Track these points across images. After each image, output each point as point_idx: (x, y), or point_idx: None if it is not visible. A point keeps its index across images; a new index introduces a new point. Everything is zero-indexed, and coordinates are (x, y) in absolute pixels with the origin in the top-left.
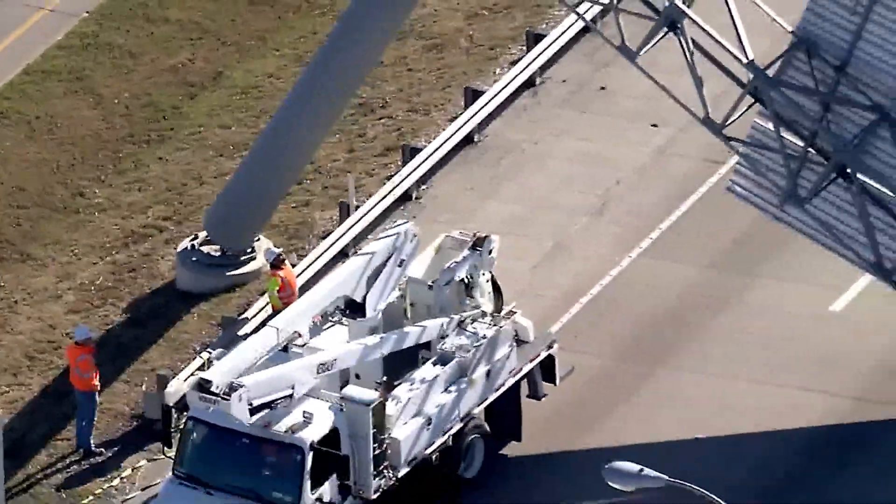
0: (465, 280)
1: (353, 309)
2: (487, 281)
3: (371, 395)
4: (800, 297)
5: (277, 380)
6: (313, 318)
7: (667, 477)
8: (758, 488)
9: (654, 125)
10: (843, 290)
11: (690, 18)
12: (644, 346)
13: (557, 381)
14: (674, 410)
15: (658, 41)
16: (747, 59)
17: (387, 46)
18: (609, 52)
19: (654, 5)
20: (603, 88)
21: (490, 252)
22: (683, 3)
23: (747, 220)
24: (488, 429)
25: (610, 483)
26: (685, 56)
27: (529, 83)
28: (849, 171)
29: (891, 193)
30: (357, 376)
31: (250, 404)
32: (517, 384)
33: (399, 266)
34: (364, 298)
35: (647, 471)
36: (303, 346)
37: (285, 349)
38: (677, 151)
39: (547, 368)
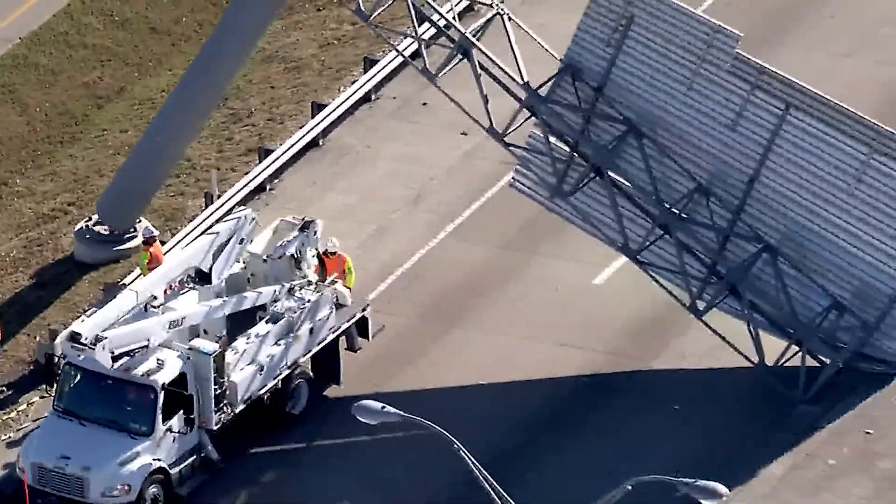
0: (295, 255)
1: (202, 278)
2: (314, 256)
3: (213, 346)
4: (570, 272)
5: (135, 333)
6: (172, 285)
7: (404, 413)
8: (527, 422)
9: (464, 133)
10: (605, 266)
11: (478, 48)
12: (443, 310)
13: (370, 337)
14: (463, 362)
15: (454, 66)
16: (522, 80)
17: (239, 69)
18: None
19: (451, 37)
20: (425, 104)
21: (315, 233)
22: (473, 35)
23: (531, 211)
24: (312, 375)
25: (358, 417)
26: (475, 77)
27: (367, 99)
28: (603, 171)
29: (632, 187)
30: (205, 331)
31: (112, 353)
32: (337, 339)
33: (240, 243)
34: (210, 269)
35: (388, 408)
36: (158, 306)
37: (146, 308)
38: (480, 155)
39: (362, 327)
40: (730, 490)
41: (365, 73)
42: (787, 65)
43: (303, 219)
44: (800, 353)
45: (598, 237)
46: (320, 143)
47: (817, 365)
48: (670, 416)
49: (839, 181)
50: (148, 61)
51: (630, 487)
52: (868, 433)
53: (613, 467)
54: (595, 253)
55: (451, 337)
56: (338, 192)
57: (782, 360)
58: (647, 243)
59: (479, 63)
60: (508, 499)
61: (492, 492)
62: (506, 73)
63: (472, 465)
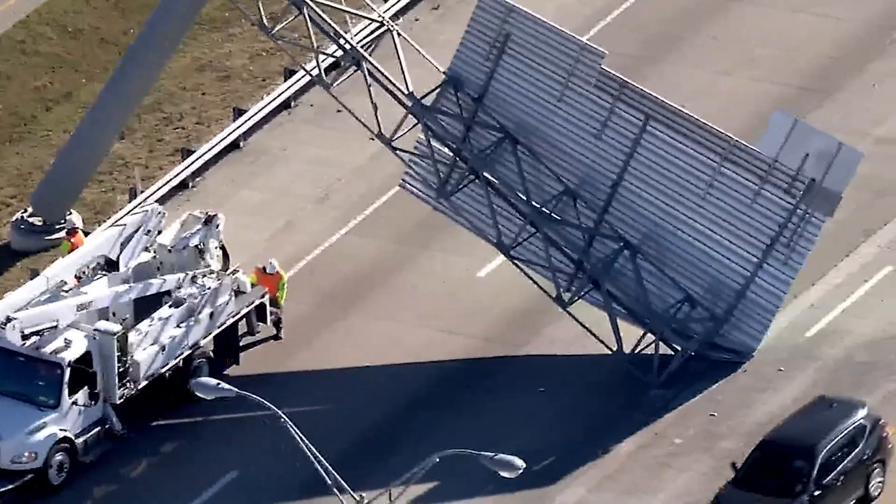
0: (199, 246)
1: (110, 266)
2: (216, 247)
3: (116, 327)
4: (457, 265)
5: (44, 314)
6: (84, 271)
7: (237, 389)
8: (408, 401)
9: (372, 138)
10: (489, 261)
11: (368, 60)
12: (340, 298)
13: (268, 322)
14: (355, 345)
15: (348, 77)
16: (407, 91)
17: (155, 76)
18: (347, 84)
19: (345, 48)
20: (339, 111)
21: (217, 226)
22: (365, 49)
23: (426, 210)
24: (213, 355)
25: (197, 393)
26: (366, 86)
27: (287, 105)
28: (480, 173)
29: (506, 189)
30: (113, 314)
31: (23, 332)
32: (236, 323)
33: (146, 234)
34: (118, 258)
35: (223, 384)
36: (68, 290)
37: (56, 292)
38: (386, 158)
39: (260, 312)
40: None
41: (285, 82)
42: (671, 80)
43: (206, 213)
44: (655, 342)
45: (477, 234)
46: (241, 146)
47: (671, 353)
48: (537, 397)
49: (693, 186)
50: (95, 69)
51: (437, 460)
52: (713, 415)
53: (482, 444)
54: (480, 249)
55: (346, 322)
56: (253, 189)
57: (638, 348)
58: (519, 240)
59: (372, 74)
60: (336, 475)
61: (319, 468)
62: (392, 83)
63: (300, 441)
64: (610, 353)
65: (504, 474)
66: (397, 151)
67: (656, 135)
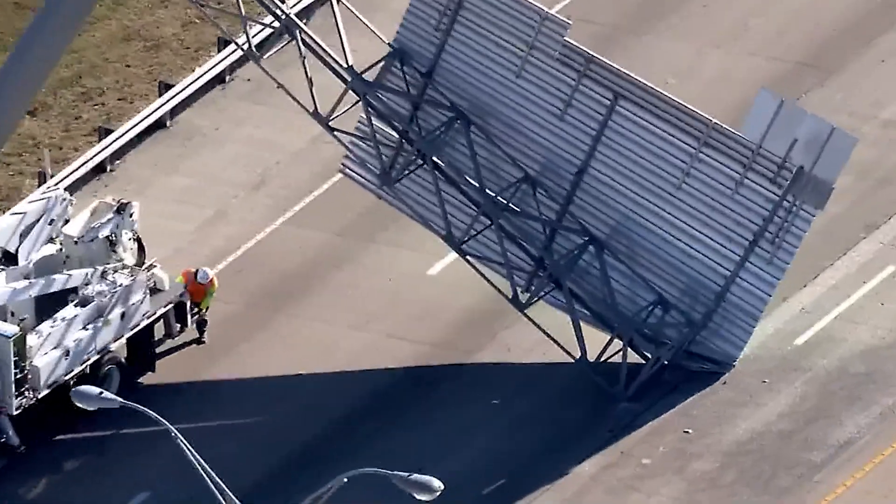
0: (110, 238)
1: (8, 259)
2: (130, 239)
3: (12, 328)
4: (405, 261)
5: None
6: None
7: (121, 399)
8: (344, 413)
9: None
10: (441, 257)
11: (302, 29)
12: (271, 297)
13: (189, 323)
14: (286, 350)
15: (281, 48)
16: (347, 64)
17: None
18: (286, 56)
19: (277, 15)
20: (280, 86)
21: (131, 216)
22: (300, 18)
23: (373, 198)
24: (124, 360)
25: (77, 403)
26: (300, 59)
27: (220, 80)
28: (427, 158)
29: (457, 175)
30: (12, 314)
31: None
32: (152, 325)
33: (49, 224)
34: (17, 250)
35: (106, 394)
36: None
37: None
38: (328, 139)
39: (180, 312)
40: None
41: (219, 53)
42: (654, 54)
43: (118, 201)
44: (623, 349)
45: (425, 225)
46: (168, 125)
47: (641, 361)
48: (489, 409)
49: (668, 175)
50: (10, 37)
51: (346, 480)
52: (687, 433)
53: (425, 461)
54: (433, 243)
55: (277, 324)
56: (180, 174)
57: (605, 356)
58: (471, 233)
59: (307, 44)
60: (227, 491)
61: (210, 484)
62: (330, 55)
63: (190, 456)
64: (573, 361)
65: (420, 497)
66: (335, 132)
67: (626, 116)
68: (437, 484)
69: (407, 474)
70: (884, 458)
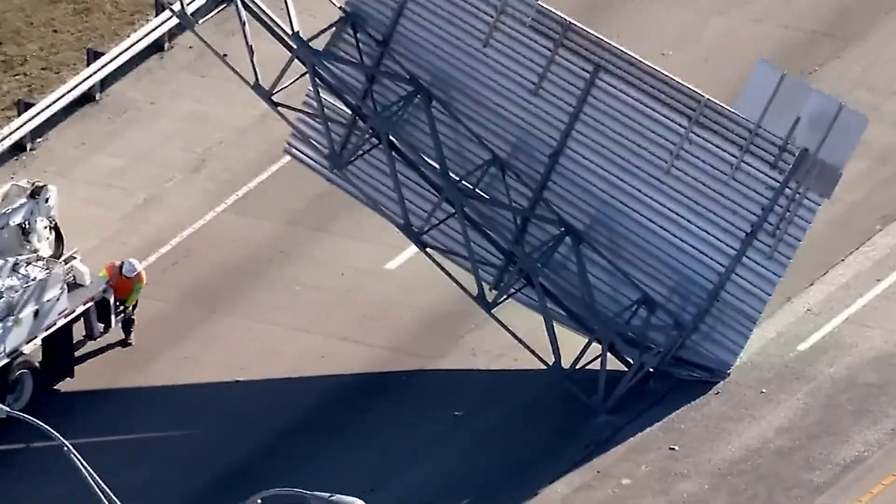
0: (23, 225)
1: None
2: (46, 227)
3: None
4: (361, 254)
5: None
6: None
7: (7, 409)
8: (284, 425)
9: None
10: (403, 249)
11: None
12: (209, 294)
13: (113, 323)
14: (221, 353)
15: (218, 11)
16: (293, 30)
17: None
18: (235, 22)
19: None
20: (226, 56)
21: (47, 201)
22: None
23: (327, 182)
24: (38, 365)
25: None
26: (241, 26)
27: (158, 48)
28: (383, 137)
29: (417, 157)
30: None
31: None
32: (70, 324)
33: None
34: None
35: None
36: None
37: None
38: (279, 116)
39: (103, 310)
40: None
41: (156, 17)
42: (649, 21)
43: (32, 184)
44: (602, 355)
45: (381, 213)
46: (97, 98)
47: (625, 369)
48: (450, 422)
49: (655, 157)
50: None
51: (259, 501)
52: (672, 449)
53: (375, 481)
54: (392, 234)
55: (213, 325)
56: (108, 153)
57: (581, 362)
58: (432, 222)
59: (248, 7)
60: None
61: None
62: (274, 21)
63: (84, 472)
64: (546, 368)
65: None
66: (279, 108)
67: (608, 91)
68: None
69: (329, 495)
70: (895, 479)
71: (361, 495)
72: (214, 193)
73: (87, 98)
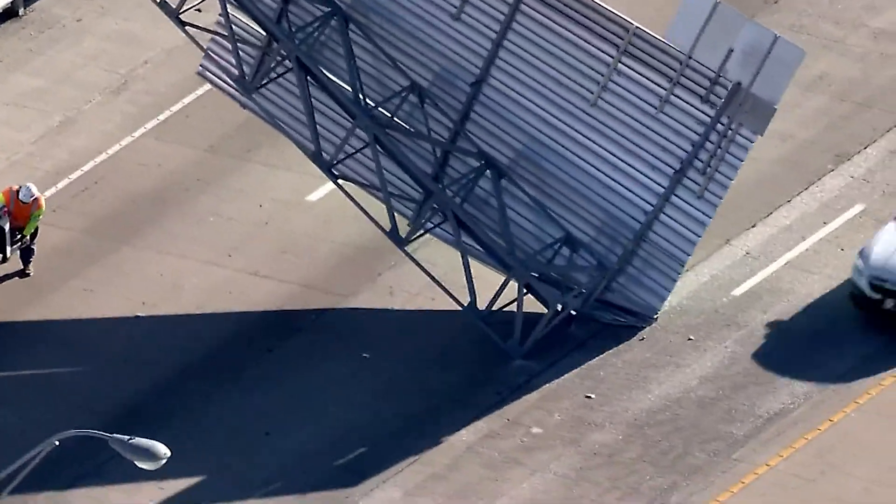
0: None
1: None
2: None
3: None
4: (282, 184)
5: None
6: None
7: None
8: (180, 364)
9: (198, 10)
10: (326, 180)
11: None
12: (117, 222)
13: (9, 252)
14: (124, 286)
15: None
16: None
17: None
18: None
19: None
20: None
21: None
22: None
23: None
24: None
25: None
26: None
27: None
28: (293, 60)
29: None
30: None
31: None
32: None
33: None
34: None
35: None
36: None
37: None
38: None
39: None
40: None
41: None
42: None
43: None
44: (519, 295)
45: (294, 142)
46: (20, 13)
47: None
48: (357, 364)
49: (581, 89)
50: None
51: (57, 443)
52: (589, 398)
53: (273, 424)
54: None
55: (119, 257)
56: (27, 73)
57: (500, 304)
58: (345, 153)
59: None
60: None
61: None
62: None
63: None
64: (460, 309)
65: (142, 466)
66: (186, 27)
67: (532, 17)
68: (163, 450)
69: (127, 438)
70: (819, 433)
71: (256, 439)
72: (135, 117)
73: (9, 13)
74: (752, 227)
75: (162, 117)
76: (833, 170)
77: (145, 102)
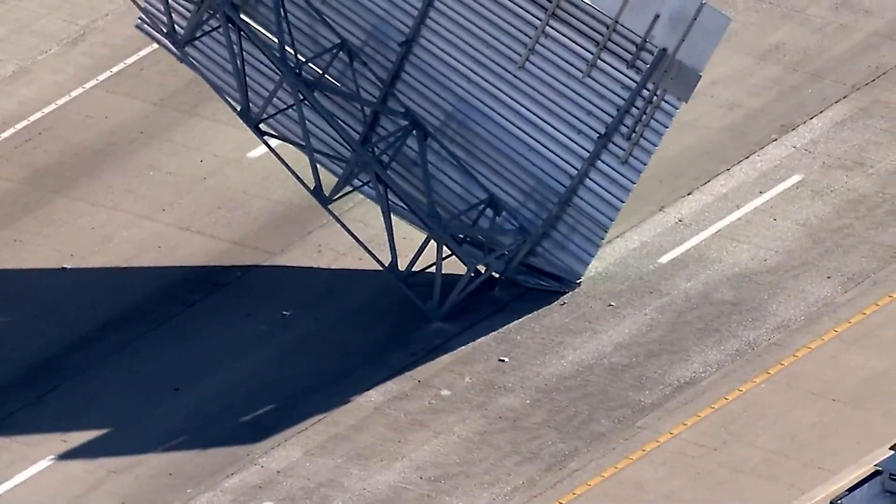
0: None
1: None
2: None
3: None
4: (226, 139)
5: None
6: None
7: None
8: (99, 317)
9: None
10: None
11: None
12: (56, 174)
13: None
14: (54, 238)
15: None
16: None
17: None
18: None
19: None
20: None
21: None
22: None
23: None
24: None
25: None
26: None
27: None
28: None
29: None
30: None
31: None
32: None
33: None
34: None
35: None
36: None
37: None
38: None
39: None
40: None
41: None
42: None
43: None
44: (438, 257)
45: (224, 98)
46: None
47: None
48: (275, 322)
49: (509, 51)
50: None
51: None
52: (502, 361)
53: (184, 380)
54: None
55: (53, 208)
56: None
57: (417, 264)
58: (275, 109)
59: None
60: None
61: None
62: None
63: None
64: (381, 269)
65: None
66: None
67: None
68: None
69: None
70: (727, 402)
71: (165, 393)
72: (89, 69)
73: None
74: (689, 194)
75: (115, 69)
76: (776, 139)
77: (102, 54)
